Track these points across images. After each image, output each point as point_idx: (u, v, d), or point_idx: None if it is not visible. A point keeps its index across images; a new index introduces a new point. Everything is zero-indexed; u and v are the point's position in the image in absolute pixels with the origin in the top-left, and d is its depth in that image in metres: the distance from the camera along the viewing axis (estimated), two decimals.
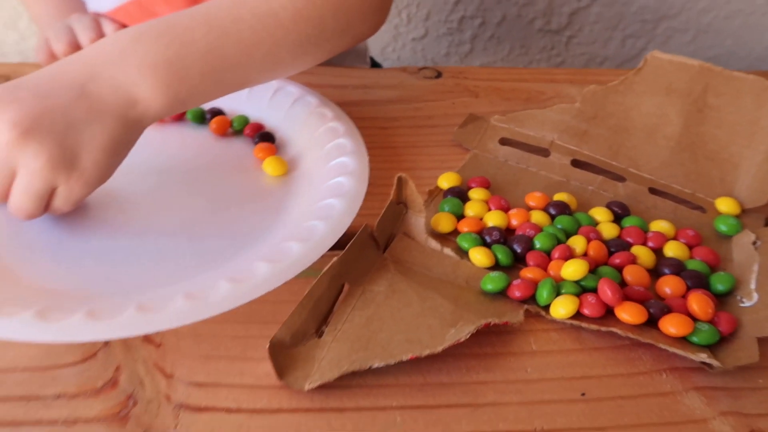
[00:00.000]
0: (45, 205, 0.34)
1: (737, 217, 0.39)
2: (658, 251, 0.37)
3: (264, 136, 0.43)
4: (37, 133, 0.31)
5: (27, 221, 0.35)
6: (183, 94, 0.35)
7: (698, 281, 0.34)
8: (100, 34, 0.49)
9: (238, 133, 0.45)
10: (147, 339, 0.30)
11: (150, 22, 0.35)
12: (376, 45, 1.03)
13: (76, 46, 0.49)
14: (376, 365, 0.28)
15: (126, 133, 0.34)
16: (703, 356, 0.29)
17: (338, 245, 0.33)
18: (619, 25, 1.03)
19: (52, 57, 0.50)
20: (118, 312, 0.29)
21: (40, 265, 0.33)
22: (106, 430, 0.26)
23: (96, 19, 0.51)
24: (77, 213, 0.37)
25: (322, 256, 0.33)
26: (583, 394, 0.29)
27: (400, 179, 0.35)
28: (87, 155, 0.32)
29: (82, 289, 0.32)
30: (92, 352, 0.30)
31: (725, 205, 0.40)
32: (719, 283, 0.34)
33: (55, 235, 0.35)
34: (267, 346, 0.28)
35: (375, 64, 0.74)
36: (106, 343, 0.30)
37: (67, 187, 0.33)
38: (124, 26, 0.51)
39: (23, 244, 0.35)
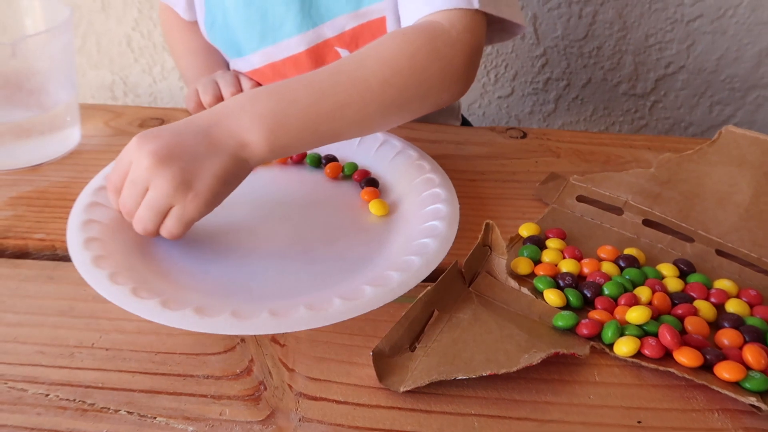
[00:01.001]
0: (159, 223, 0.41)
1: None
2: (719, 307, 0.40)
3: (370, 182, 0.51)
4: (169, 160, 0.39)
5: (192, 244, 0.44)
6: (283, 141, 0.43)
7: (756, 336, 0.37)
8: (239, 90, 0.59)
9: (348, 177, 0.53)
10: (274, 339, 0.37)
11: (267, 85, 0.44)
12: (463, 101, 1.11)
13: (220, 99, 0.59)
14: (459, 377, 0.34)
15: (235, 168, 0.42)
16: (752, 399, 0.33)
17: (430, 278, 0.40)
18: (706, 92, 1.06)
19: (200, 106, 0.60)
20: (255, 314, 0.36)
21: (195, 276, 0.42)
22: (243, 406, 0.33)
23: (236, 76, 0.61)
24: (222, 237, 0.45)
25: (416, 286, 0.39)
26: (639, 422, 0.33)
27: (487, 225, 0.41)
28: (202, 180, 0.40)
29: (226, 296, 0.40)
30: (231, 345, 0.37)
31: None
32: None
33: (204, 254, 0.44)
34: (370, 354, 0.35)
35: (464, 120, 0.81)
36: (242, 340, 0.37)
37: (182, 206, 0.40)
38: (258, 83, 0.61)
39: (181, 260, 0.43)
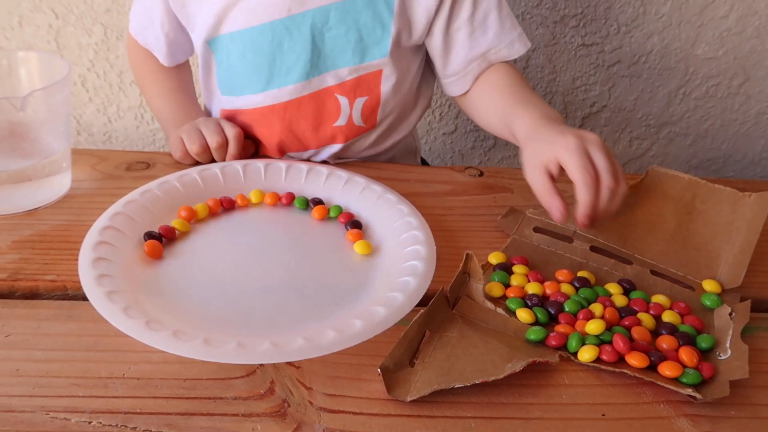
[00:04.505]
0: None
1: (719, 295, 0.51)
2: (657, 317, 0.49)
3: (354, 223, 0.56)
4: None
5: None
6: None
7: (687, 340, 0.45)
8: (224, 138, 0.64)
9: (333, 219, 0.58)
10: (289, 363, 0.42)
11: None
12: None
13: (206, 148, 0.63)
14: (456, 386, 0.40)
15: None
16: (689, 390, 0.41)
17: (421, 303, 0.46)
18: (626, 129, 1.18)
19: (187, 155, 0.64)
20: (258, 345, 0.41)
21: (199, 310, 0.46)
22: (272, 422, 0.38)
23: (219, 124, 0.65)
24: (220, 275, 0.49)
25: (411, 311, 0.45)
26: (603, 415, 0.40)
27: (468, 255, 0.48)
28: None
29: (230, 328, 0.44)
30: (252, 370, 0.42)
31: (710, 285, 0.52)
32: (703, 342, 0.45)
33: (205, 290, 0.48)
34: (378, 370, 0.40)
35: (422, 160, 0.89)
36: (261, 365, 0.42)
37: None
38: (241, 129, 0.66)
39: (186, 295, 0.47)
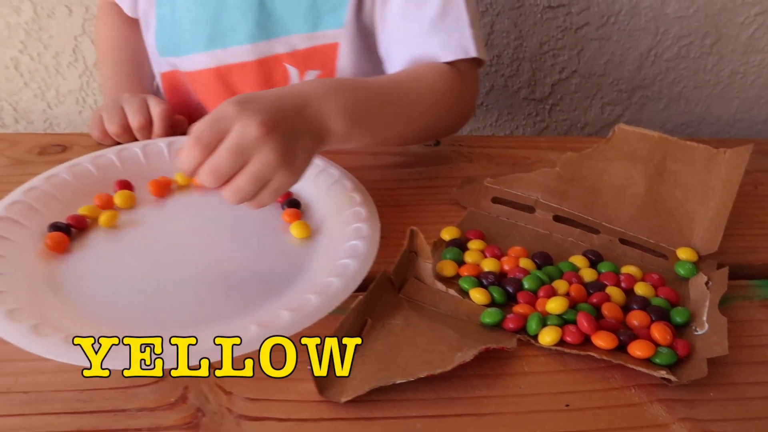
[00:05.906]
0: (256, 194, 0.41)
1: (694, 263, 0.47)
2: (629, 291, 0.44)
3: (291, 203, 0.50)
4: (276, 134, 0.39)
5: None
6: (354, 132, 0.46)
7: (660, 315, 0.41)
8: (147, 117, 0.57)
9: None
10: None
11: (339, 79, 0.51)
12: None
13: (127, 127, 0.57)
14: (398, 381, 0.35)
15: (319, 148, 0.44)
16: (662, 373, 0.36)
17: (361, 287, 0.40)
18: (597, 94, 1.13)
19: (105, 134, 0.58)
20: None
21: (106, 308, 0.40)
22: None
23: (144, 101, 0.59)
24: (138, 266, 0.44)
25: (349, 297, 0.39)
26: (567, 405, 0.35)
27: (412, 231, 0.43)
28: (300, 156, 0.41)
29: (138, 329, 0.37)
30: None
31: (684, 253, 0.47)
32: (678, 316, 0.41)
33: (118, 284, 0.42)
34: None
35: None
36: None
37: (279, 179, 0.40)
38: (169, 108, 0.59)
39: (93, 292, 0.41)
